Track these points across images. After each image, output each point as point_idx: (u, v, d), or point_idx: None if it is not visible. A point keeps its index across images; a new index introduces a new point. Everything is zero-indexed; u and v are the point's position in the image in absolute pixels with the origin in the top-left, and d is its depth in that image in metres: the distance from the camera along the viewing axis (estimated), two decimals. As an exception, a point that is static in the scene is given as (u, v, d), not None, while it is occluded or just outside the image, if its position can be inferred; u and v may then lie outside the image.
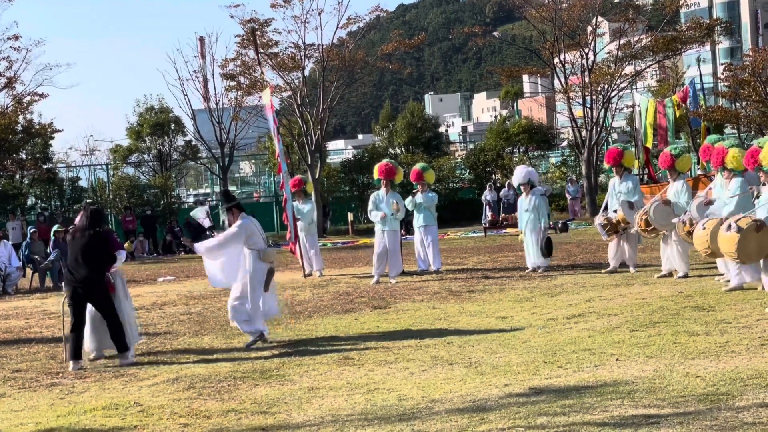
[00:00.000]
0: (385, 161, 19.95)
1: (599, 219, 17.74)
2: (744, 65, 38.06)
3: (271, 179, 45.45)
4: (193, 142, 45.11)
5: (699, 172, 32.53)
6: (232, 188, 51.21)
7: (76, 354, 11.33)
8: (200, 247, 12.41)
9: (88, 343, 11.80)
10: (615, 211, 17.45)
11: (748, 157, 13.01)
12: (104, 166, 44.02)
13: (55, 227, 24.05)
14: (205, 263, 12.66)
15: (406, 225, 29.52)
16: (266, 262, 12.24)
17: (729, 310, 12.14)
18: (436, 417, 7.70)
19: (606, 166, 17.96)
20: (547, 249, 18.62)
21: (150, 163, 43.56)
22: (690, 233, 15.33)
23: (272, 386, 9.43)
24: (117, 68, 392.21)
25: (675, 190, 16.27)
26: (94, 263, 11.47)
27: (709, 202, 14.91)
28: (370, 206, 19.21)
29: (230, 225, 12.39)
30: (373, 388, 9.00)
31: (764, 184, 12.90)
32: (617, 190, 17.50)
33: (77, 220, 11.96)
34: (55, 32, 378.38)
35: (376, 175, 19.68)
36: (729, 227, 12.42)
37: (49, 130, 39.58)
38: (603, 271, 17.57)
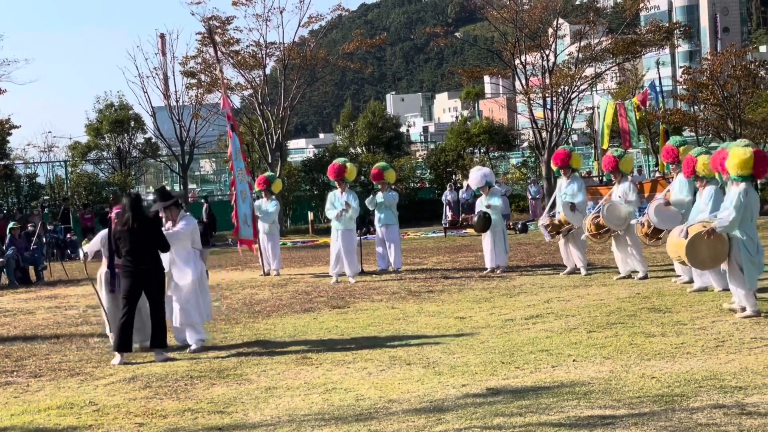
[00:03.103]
0: (334, 161, 19.84)
1: (543, 220, 17.82)
2: (702, 69, 38.43)
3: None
4: (153, 140, 44.78)
5: (656, 174, 32.87)
6: (192, 186, 51.03)
7: (124, 346, 11.10)
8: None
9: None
10: (560, 212, 17.53)
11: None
12: (63, 163, 43.64)
13: (10, 224, 23.78)
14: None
15: (367, 224, 29.51)
16: (204, 262, 12.18)
17: (685, 312, 12.25)
18: (393, 417, 7.71)
19: (554, 167, 17.97)
20: (484, 224, 18.47)
21: (109, 161, 43.24)
22: (647, 235, 15.46)
23: (229, 385, 9.38)
24: (76, 64, 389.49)
25: (623, 190, 16.38)
26: (154, 253, 11.34)
27: (668, 204, 15.00)
28: (327, 205, 19.20)
29: (167, 222, 11.95)
30: (330, 387, 8.99)
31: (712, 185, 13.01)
32: (563, 191, 17.57)
33: (119, 209, 11.49)
34: (14, 27, 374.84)
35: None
36: (680, 232, 12.42)
37: (7, 126, 39.18)
38: (561, 273, 17.65)
